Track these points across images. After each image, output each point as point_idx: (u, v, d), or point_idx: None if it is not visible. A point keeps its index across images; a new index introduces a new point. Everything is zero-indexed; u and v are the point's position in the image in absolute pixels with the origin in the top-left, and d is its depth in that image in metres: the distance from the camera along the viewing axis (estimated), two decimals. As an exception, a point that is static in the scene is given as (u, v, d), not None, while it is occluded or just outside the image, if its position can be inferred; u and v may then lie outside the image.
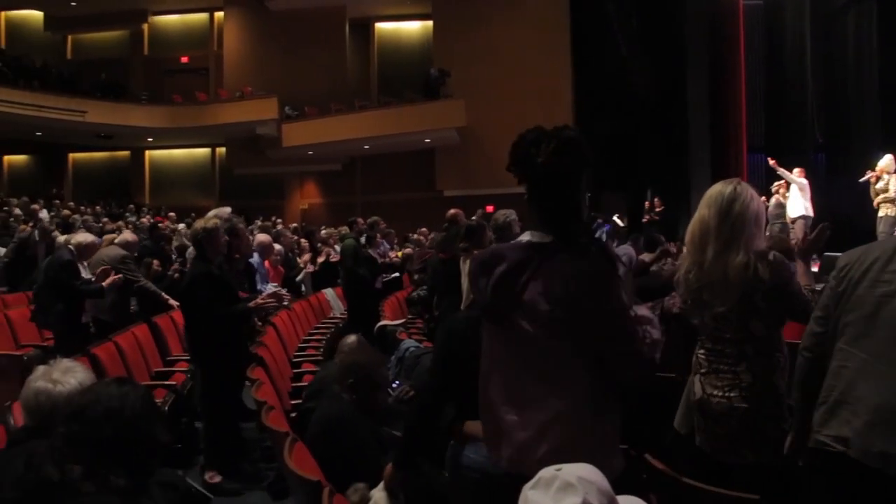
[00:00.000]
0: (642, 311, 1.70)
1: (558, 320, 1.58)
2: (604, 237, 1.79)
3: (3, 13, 20.85)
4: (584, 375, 1.62)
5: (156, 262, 6.71)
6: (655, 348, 1.64)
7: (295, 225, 13.81)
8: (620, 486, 1.22)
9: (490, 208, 12.49)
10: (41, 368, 1.97)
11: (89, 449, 1.49)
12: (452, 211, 5.96)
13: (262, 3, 18.69)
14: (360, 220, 9.39)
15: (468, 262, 4.30)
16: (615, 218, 10.26)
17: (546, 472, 1.11)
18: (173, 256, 7.85)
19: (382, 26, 20.34)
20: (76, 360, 2.52)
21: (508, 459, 1.64)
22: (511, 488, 1.23)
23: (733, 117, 15.75)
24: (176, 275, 6.53)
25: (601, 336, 1.60)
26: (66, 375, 1.91)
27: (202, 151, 20.30)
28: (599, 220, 1.82)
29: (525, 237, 1.72)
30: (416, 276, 7.75)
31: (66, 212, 12.29)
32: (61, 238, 6.72)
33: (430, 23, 19.03)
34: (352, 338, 3.64)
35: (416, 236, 11.24)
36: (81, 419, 1.52)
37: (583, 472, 1.10)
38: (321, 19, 18.71)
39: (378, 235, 8.15)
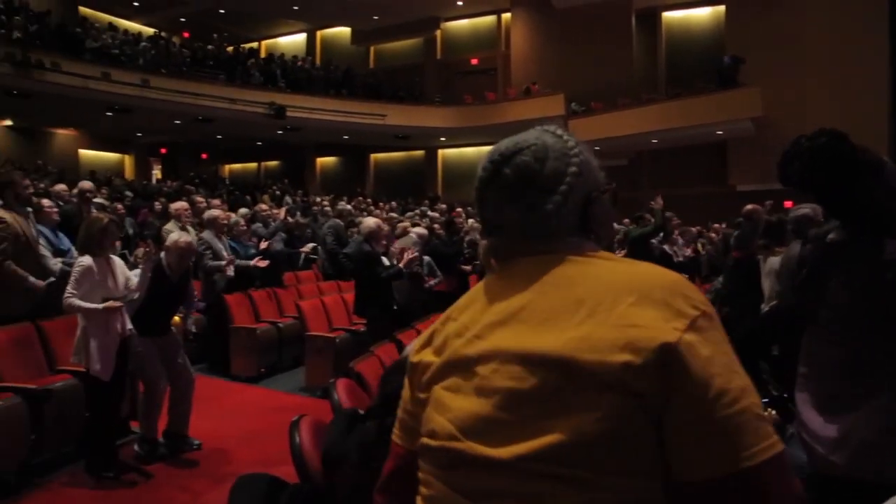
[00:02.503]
0: None
1: (864, 315, 1.91)
2: None
3: (319, 32, 28.01)
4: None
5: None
6: None
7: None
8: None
9: (789, 204, 14.47)
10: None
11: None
12: (749, 206, 6.18)
13: (547, 2, 22.88)
14: (647, 216, 9.85)
15: (768, 260, 4.79)
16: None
17: None
18: (465, 252, 9.50)
19: (670, 15, 23.57)
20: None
21: (823, 459, 1.99)
22: (832, 488, 1.60)
23: None
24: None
25: None
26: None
27: (490, 149, 25.06)
28: None
29: (831, 234, 2.09)
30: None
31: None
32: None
33: (721, 8, 21.75)
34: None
35: (711, 234, 12.89)
36: None
37: None
38: (607, 13, 22.39)
39: (675, 231, 9.60)
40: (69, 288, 4.48)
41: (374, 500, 1.33)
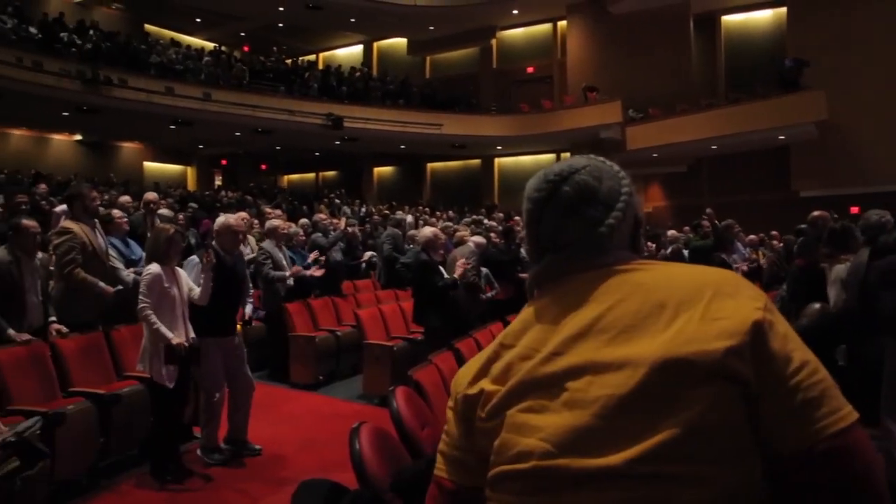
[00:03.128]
0: None
1: None
2: None
3: (376, 43, 28.34)
4: None
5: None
6: None
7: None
8: None
9: (855, 209, 14.15)
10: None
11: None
12: (816, 213, 6.16)
13: (603, 8, 22.71)
14: (705, 223, 10.04)
15: (834, 268, 4.68)
16: None
17: None
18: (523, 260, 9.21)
19: (729, 18, 23.19)
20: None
21: None
22: None
23: None
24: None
25: None
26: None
27: (547, 157, 24.97)
28: None
29: None
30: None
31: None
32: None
33: (783, 10, 21.30)
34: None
35: (773, 241, 12.51)
36: None
37: None
38: (664, 18, 22.10)
39: (737, 239, 9.12)
40: (141, 297, 4.61)
41: None
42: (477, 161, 26.53)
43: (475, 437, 1.20)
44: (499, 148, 25.02)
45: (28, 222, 5.13)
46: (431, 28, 25.41)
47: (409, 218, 16.38)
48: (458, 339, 5.11)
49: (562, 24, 24.87)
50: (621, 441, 1.02)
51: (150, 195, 8.09)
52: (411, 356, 6.69)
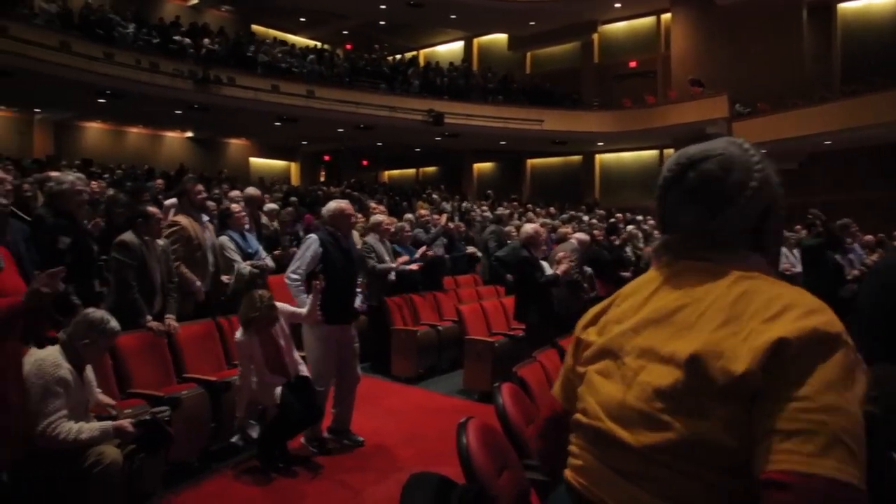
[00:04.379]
0: None
1: None
2: None
3: (476, 40, 28.40)
4: None
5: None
6: None
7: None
8: None
9: None
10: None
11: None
12: None
13: (710, 0, 22.11)
14: (818, 222, 9.23)
15: None
16: None
17: None
18: (625, 258, 9.49)
19: (847, 6, 22.09)
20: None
21: None
22: None
23: None
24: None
25: None
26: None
27: (650, 153, 24.54)
28: None
29: None
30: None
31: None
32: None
33: (905, -5, 20.09)
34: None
35: (894, 242, 12.04)
36: None
37: None
38: (775, 7, 21.30)
39: (853, 240, 8.79)
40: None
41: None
42: (577, 157, 26.21)
43: (575, 375, 1.43)
44: (600, 144, 24.70)
45: (153, 209, 5.36)
46: (532, 23, 25.21)
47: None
48: (561, 337, 5.06)
49: (665, 16, 24.26)
50: (645, 426, 1.18)
51: (254, 191, 8.30)
52: (512, 353, 6.69)
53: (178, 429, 3.93)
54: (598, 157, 25.87)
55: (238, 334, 4.70)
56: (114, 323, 3.70)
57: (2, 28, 14.75)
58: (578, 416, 1.33)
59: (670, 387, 1.16)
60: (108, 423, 3.48)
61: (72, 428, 3.31)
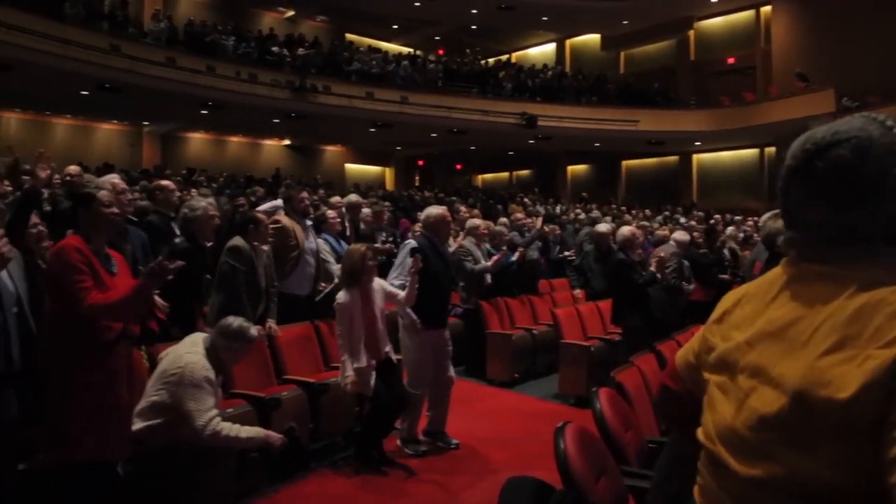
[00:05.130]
0: None
1: None
2: None
3: (568, 41, 28.19)
4: None
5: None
6: None
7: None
8: None
9: None
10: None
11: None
12: None
13: (814, -11, 21.14)
14: None
15: None
16: None
17: None
18: (725, 261, 9.19)
19: (968, -10, 20.70)
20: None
21: None
22: None
23: None
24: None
25: None
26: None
27: (749, 152, 23.75)
28: None
29: None
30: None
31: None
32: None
33: None
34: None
35: None
36: None
37: None
38: (886, -6, 20.10)
39: None
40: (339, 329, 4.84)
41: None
42: (674, 158, 25.57)
43: (699, 373, 1.32)
44: (697, 144, 24.05)
45: (262, 216, 5.57)
46: (625, 22, 24.80)
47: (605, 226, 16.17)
48: (660, 342, 4.96)
49: (765, 9, 23.43)
50: (754, 456, 1.09)
51: (355, 198, 8.48)
52: (609, 357, 6.63)
53: (278, 428, 4.04)
54: (695, 157, 25.19)
55: (340, 295, 4.82)
56: (254, 330, 3.92)
57: (114, 47, 15.61)
58: (700, 433, 1.26)
59: (775, 415, 1.06)
60: (262, 431, 3.68)
61: (233, 427, 3.52)
